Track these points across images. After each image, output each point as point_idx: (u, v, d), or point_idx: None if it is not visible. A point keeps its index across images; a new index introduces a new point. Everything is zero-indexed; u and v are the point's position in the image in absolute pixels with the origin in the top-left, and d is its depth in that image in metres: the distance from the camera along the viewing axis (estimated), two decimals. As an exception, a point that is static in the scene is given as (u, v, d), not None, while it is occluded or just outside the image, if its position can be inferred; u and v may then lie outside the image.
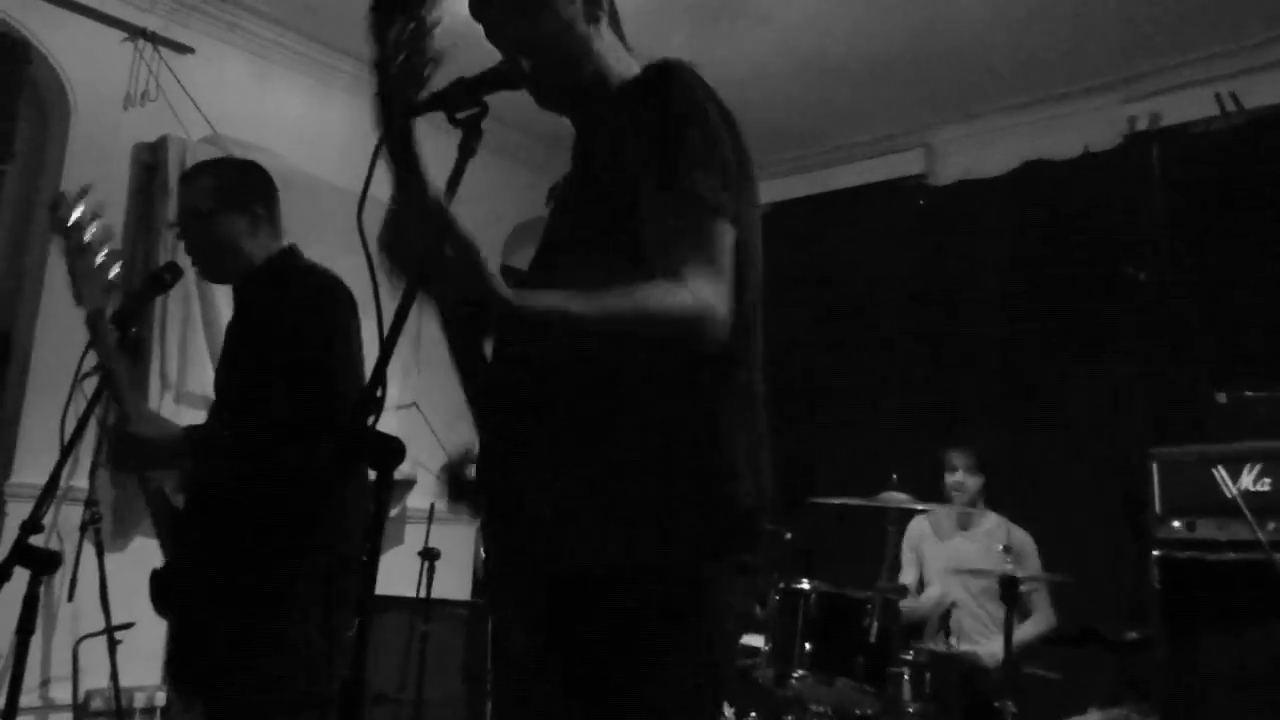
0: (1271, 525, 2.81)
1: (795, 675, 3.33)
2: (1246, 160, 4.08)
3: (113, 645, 3.34)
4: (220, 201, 2.20)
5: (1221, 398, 3.35)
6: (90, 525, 3.47)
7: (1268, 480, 2.90)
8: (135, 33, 4.05)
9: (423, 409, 4.67)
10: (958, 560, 3.93)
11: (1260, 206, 4.02)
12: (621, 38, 1.48)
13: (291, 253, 2.29)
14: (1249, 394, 3.31)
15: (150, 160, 4.05)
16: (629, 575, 1.22)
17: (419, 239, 1.08)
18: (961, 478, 4.01)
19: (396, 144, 1.26)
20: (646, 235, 1.22)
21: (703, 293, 1.17)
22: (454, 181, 1.19)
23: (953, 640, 3.70)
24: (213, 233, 2.19)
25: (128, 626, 3.30)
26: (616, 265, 1.22)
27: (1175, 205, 4.19)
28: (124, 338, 2.09)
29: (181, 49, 4.19)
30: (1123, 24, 4.07)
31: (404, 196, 1.18)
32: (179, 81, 4.14)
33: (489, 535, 1.41)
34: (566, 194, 1.49)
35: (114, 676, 3.40)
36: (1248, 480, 2.93)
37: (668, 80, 1.30)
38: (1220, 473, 2.95)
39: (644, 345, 1.20)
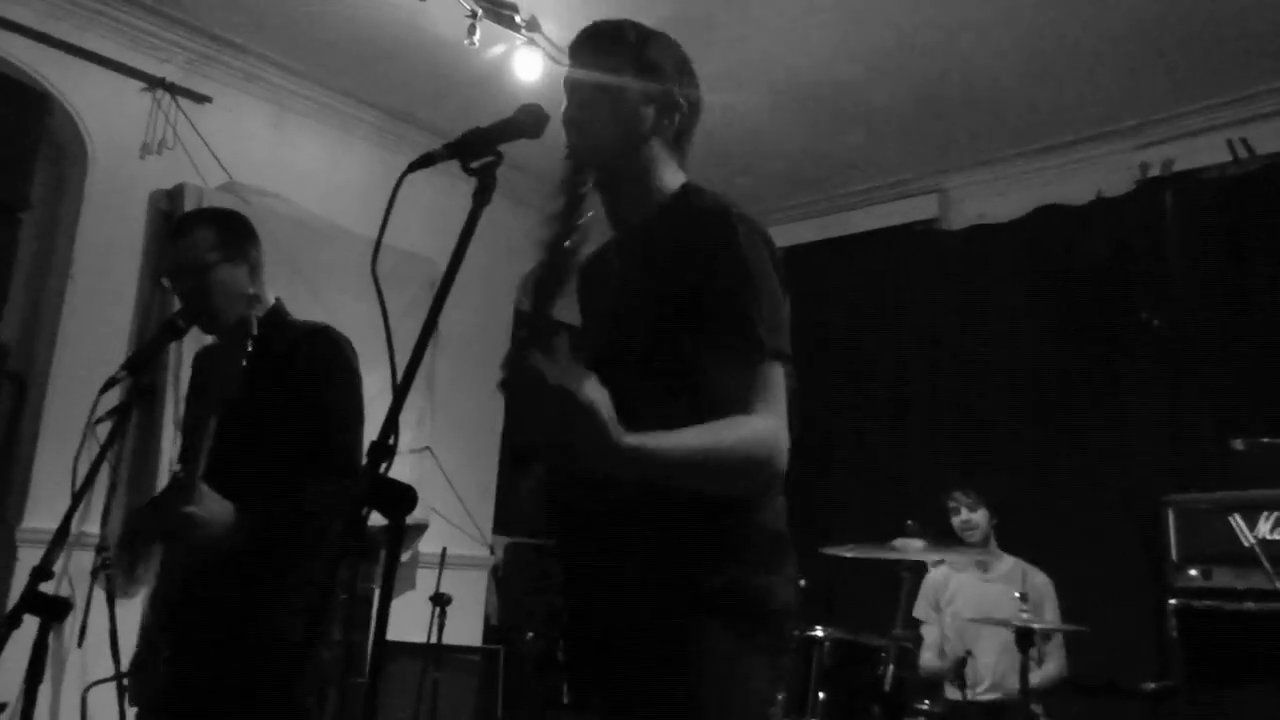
0: (1291, 574, 2.77)
1: (810, 724, 3.27)
2: (1259, 206, 4.08)
3: (121, 692, 3.31)
4: (224, 253, 2.22)
5: (1238, 444, 3.32)
6: (101, 571, 3.46)
7: (1285, 529, 2.87)
8: (154, 83, 4.12)
9: (435, 453, 4.67)
10: (977, 607, 3.88)
11: (1273, 252, 4.01)
12: (681, 156, 1.58)
13: (283, 309, 2.32)
14: (1265, 441, 3.28)
15: (167, 208, 4.10)
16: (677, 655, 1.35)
17: (552, 421, 1.14)
18: (967, 515, 3.99)
19: None
20: (718, 378, 1.35)
21: (773, 434, 1.32)
22: (469, 227, 1.20)
23: (969, 691, 3.64)
24: (216, 283, 2.20)
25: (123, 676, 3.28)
26: (672, 394, 1.36)
27: (1188, 251, 4.19)
28: (138, 384, 2.09)
29: (200, 98, 4.26)
30: (1135, 70, 4.10)
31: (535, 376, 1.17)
32: (196, 130, 4.21)
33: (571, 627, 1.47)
34: (606, 281, 1.58)
35: (121, 722, 3.37)
36: (1265, 528, 2.90)
37: (737, 227, 1.40)
38: (1237, 521, 2.92)
39: (723, 478, 1.32)
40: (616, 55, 1.52)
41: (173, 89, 4.16)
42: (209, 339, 2.36)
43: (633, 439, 1.17)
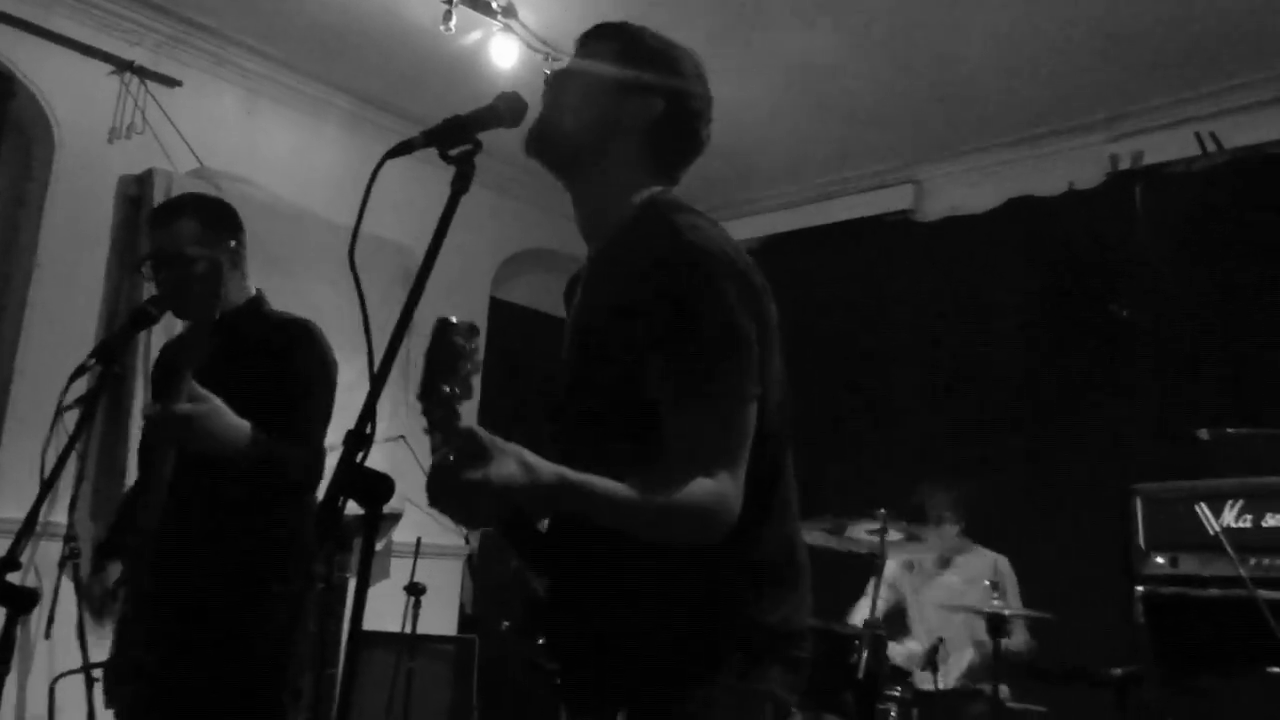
0: (1253, 561, 2.81)
1: (784, 712, 3.29)
2: (1227, 199, 4.13)
3: (90, 683, 3.27)
4: (207, 242, 2.20)
5: (1204, 434, 3.36)
6: (69, 561, 3.42)
7: (1249, 517, 2.91)
8: (122, 66, 4.06)
9: (410, 443, 4.64)
10: (946, 595, 3.92)
11: (1239, 245, 4.07)
12: (660, 163, 1.45)
13: (263, 299, 2.31)
14: (1231, 431, 3.33)
15: (135, 193, 4.04)
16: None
17: (464, 501, 1.13)
18: (942, 513, 4.02)
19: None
20: (668, 427, 1.25)
21: (719, 490, 1.21)
22: (447, 216, 1.20)
23: (940, 677, 3.69)
24: (196, 274, 2.18)
25: (96, 666, 3.25)
26: (622, 444, 1.29)
27: (1158, 243, 4.24)
28: (108, 372, 2.07)
29: (169, 82, 4.19)
30: (1106, 65, 4.14)
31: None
32: (166, 115, 4.15)
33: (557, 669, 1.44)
34: (579, 314, 1.48)
35: (91, 715, 3.33)
36: (1229, 517, 2.94)
37: (681, 261, 1.27)
38: (1203, 509, 2.96)
39: (655, 532, 1.24)
40: (599, 45, 1.45)
41: (142, 72, 4.10)
42: (179, 326, 2.35)
43: (555, 479, 1.16)
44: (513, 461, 1.12)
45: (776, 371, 1.37)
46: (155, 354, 3.89)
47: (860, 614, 4.04)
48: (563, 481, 1.16)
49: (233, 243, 2.25)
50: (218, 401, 1.94)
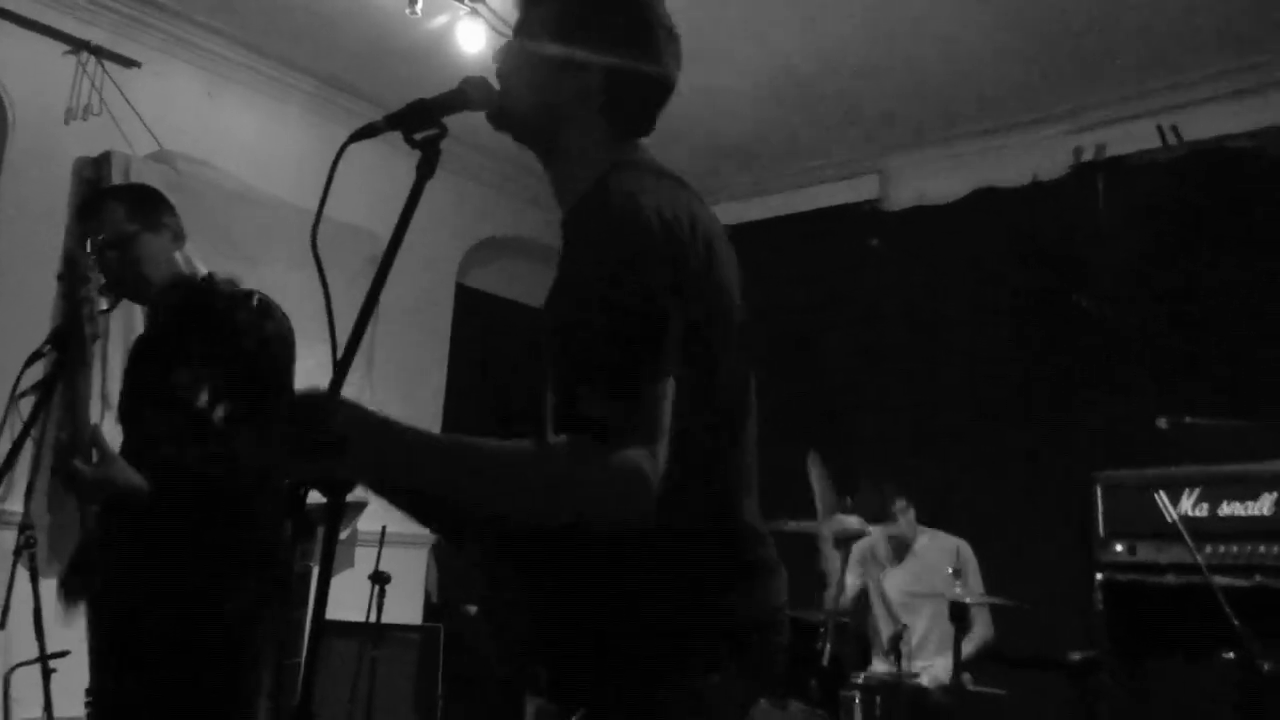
0: (1209, 549, 2.87)
1: (748, 698, 3.31)
2: (1186, 191, 4.20)
3: (46, 675, 3.23)
4: (142, 222, 2.19)
5: (1162, 423, 3.42)
6: (25, 550, 3.36)
7: (1205, 505, 2.97)
8: (79, 46, 3.97)
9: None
10: (909, 582, 3.96)
11: (1199, 236, 4.13)
12: (623, 131, 1.38)
13: (214, 279, 2.29)
14: (1189, 420, 3.39)
15: (93, 176, 3.96)
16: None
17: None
18: (900, 513, 4.06)
19: None
20: (567, 408, 1.15)
21: (620, 463, 1.09)
22: (412, 201, 1.18)
23: (903, 663, 3.72)
24: (138, 254, 2.18)
25: (62, 655, 3.19)
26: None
27: (1120, 234, 4.30)
28: (63, 359, 2.03)
29: (127, 63, 4.11)
30: (1069, 58, 4.18)
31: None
32: (124, 96, 4.06)
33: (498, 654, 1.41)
34: None
35: (47, 707, 3.28)
36: (1187, 504, 3.00)
37: (600, 234, 1.19)
38: (1161, 497, 3.01)
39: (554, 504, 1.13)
40: (538, 10, 1.39)
41: (99, 52, 4.01)
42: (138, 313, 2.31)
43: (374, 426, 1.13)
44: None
45: (730, 347, 1.30)
46: (113, 340, 3.85)
47: (851, 587, 4.07)
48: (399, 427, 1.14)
49: (169, 220, 2.24)
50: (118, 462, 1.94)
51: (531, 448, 1.13)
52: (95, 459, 1.94)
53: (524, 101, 1.35)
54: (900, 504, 4.07)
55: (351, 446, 1.09)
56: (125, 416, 2.27)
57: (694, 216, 1.26)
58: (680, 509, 1.17)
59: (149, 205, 2.24)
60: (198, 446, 1.98)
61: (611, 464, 1.09)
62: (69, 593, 2.17)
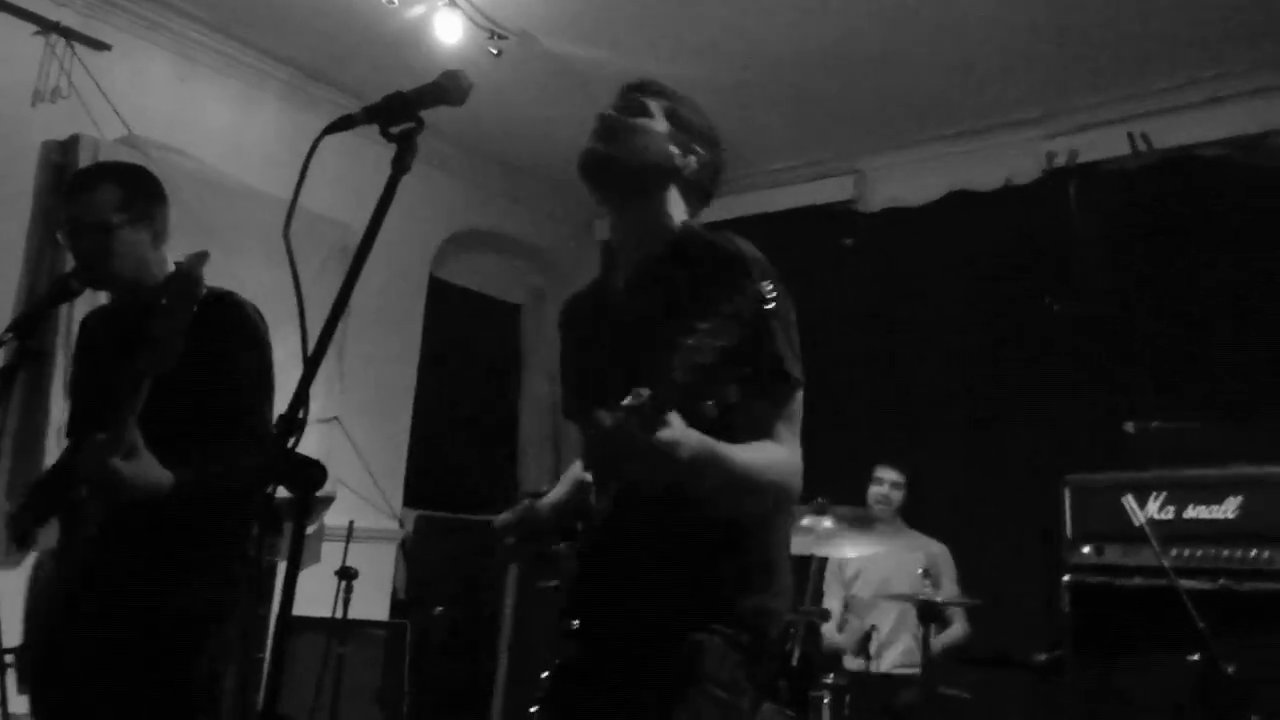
0: (1175, 552, 2.90)
1: (718, 698, 3.31)
2: (1156, 198, 4.25)
3: (2, 669, 3.17)
4: (129, 214, 2.10)
5: (1129, 427, 3.46)
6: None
7: (1172, 508, 3.01)
8: (48, 27, 3.89)
9: (344, 423, 4.56)
10: (880, 581, 3.98)
11: (1168, 242, 4.18)
12: (695, 208, 1.73)
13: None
14: (1155, 424, 3.43)
15: (60, 159, 3.89)
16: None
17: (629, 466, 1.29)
18: (888, 491, 4.10)
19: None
20: (750, 409, 1.45)
21: (797, 461, 1.49)
22: (388, 194, 1.17)
23: (873, 663, 3.74)
24: (117, 246, 2.09)
25: (8, 652, 3.14)
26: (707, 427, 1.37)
27: (1090, 238, 4.34)
28: (25, 347, 1.98)
29: (98, 45, 4.03)
30: (1044, 64, 4.21)
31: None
32: (93, 79, 3.99)
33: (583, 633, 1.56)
34: (612, 315, 1.69)
35: (3, 702, 3.22)
36: (1154, 508, 3.03)
37: (753, 266, 1.51)
38: (1129, 500, 3.04)
39: (759, 496, 1.46)
40: (651, 99, 1.69)
41: (68, 34, 3.93)
42: (102, 298, 2.25)
43: (700, 444, 1.29)
44: (678, 425, 1.26)
45: None
46: (77, 328, 3.79)
47: (833, 601, 4.11)
48: (714, 444, 1.32)
49: (157, 215, 2.16)
50: (148, 457, 1.84)
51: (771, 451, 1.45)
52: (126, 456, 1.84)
53: (643, 160, 1.63)
54: (892, 476, 4.10)
55: (680, 451, 1.26)
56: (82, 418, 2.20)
57: None
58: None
59: (143, 197, 2.15)
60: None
61: (794, 464, 1.50)
62: (18, 527, 2.12)
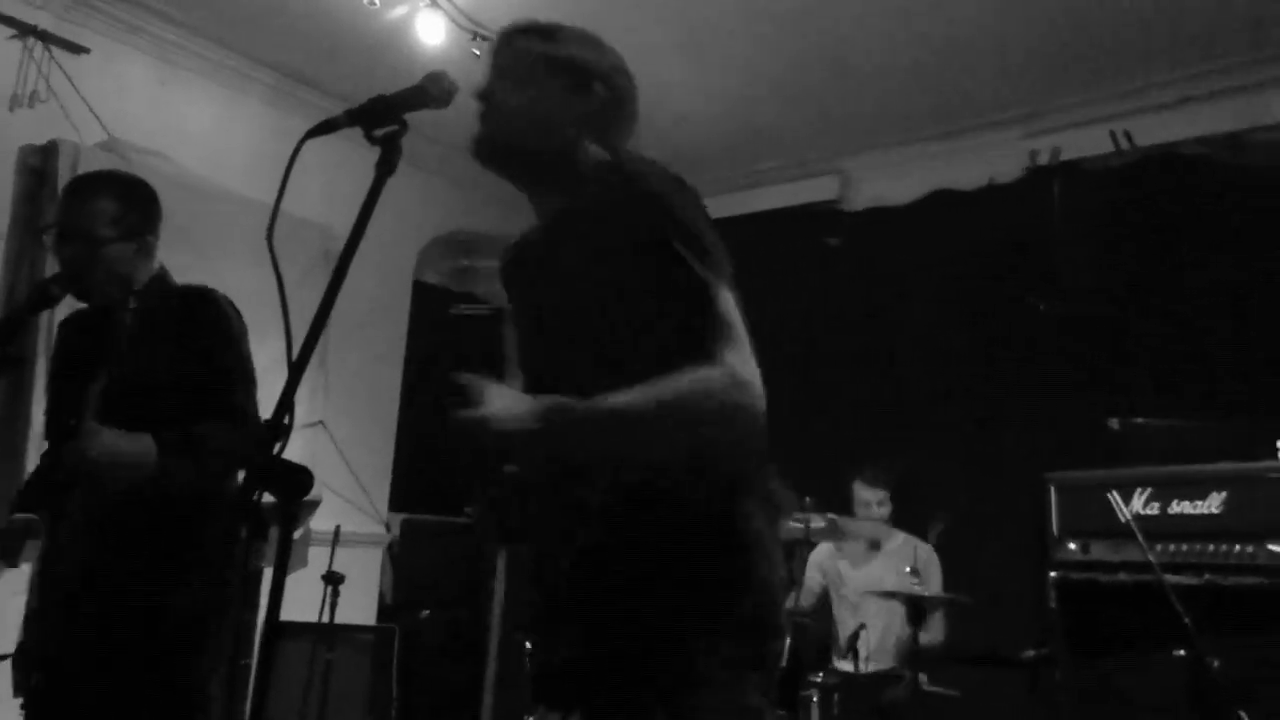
0: (1160, 547, 2.92)
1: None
2: (1138, 196, 4.27)
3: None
4: (121, 229, 2.09)
5: (1114, 424, 3.47)
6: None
7: (1157, 504, 3.02)
8: (25, 30, 3.85)
9: (329, 428, 4.54)
10: (869, 582, 3.99)
11: (1151, 240, 4.20)
12: (603, 140, 1.54)
13: (166, 275, 2.23)
14: (1140, 421, 3.45)
15: (38, 165, 3.85)
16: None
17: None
18: (874, 511, 4.09)
19: None
20: (664, 325, 1.31)
21: (736, 369, 1.32)
22: (372, 198, 1.16)
23: (862, 662, 3.75)
24: (103, 259, 2.08)
25: (3, 659, 3.11)
26: (637, 364, 1.29)
27: (1074, 237, 4.36)
28: (5, 353, 1.97)
29: (76, 49, 4.00)
30: (1026, 63, 4.23)
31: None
32: (72, 83, 3.95)
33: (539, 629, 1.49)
34: (541, 267, 1.53)
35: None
36: (1139, 504, 3.04)
37: (638, 178, 1.38)
38: (1114, 497, 3.06)
39: (699, 424, 1.30)
40: (522, 45, 1.51)
41: (46, 37, 3.90)
42: (80, 305, 2.24)
43: (584, 404, 1.21)
44: (507, 395, 1.20)
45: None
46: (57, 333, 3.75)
47: (807, 599, 4.10)
48: (575, 401, 1.22)
49: (149, 235, 2.15)
50: (114, 430, 1.86)
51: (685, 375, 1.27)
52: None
53: (531, 130, 1.48)
54: (877, 495, 4.10)
55: (517, 422, 1.20)
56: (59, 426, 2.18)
57: None
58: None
59: (138, 213, 2.14)
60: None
61: (729, 374, 1.33)
62: (4, 543, 2.13)
